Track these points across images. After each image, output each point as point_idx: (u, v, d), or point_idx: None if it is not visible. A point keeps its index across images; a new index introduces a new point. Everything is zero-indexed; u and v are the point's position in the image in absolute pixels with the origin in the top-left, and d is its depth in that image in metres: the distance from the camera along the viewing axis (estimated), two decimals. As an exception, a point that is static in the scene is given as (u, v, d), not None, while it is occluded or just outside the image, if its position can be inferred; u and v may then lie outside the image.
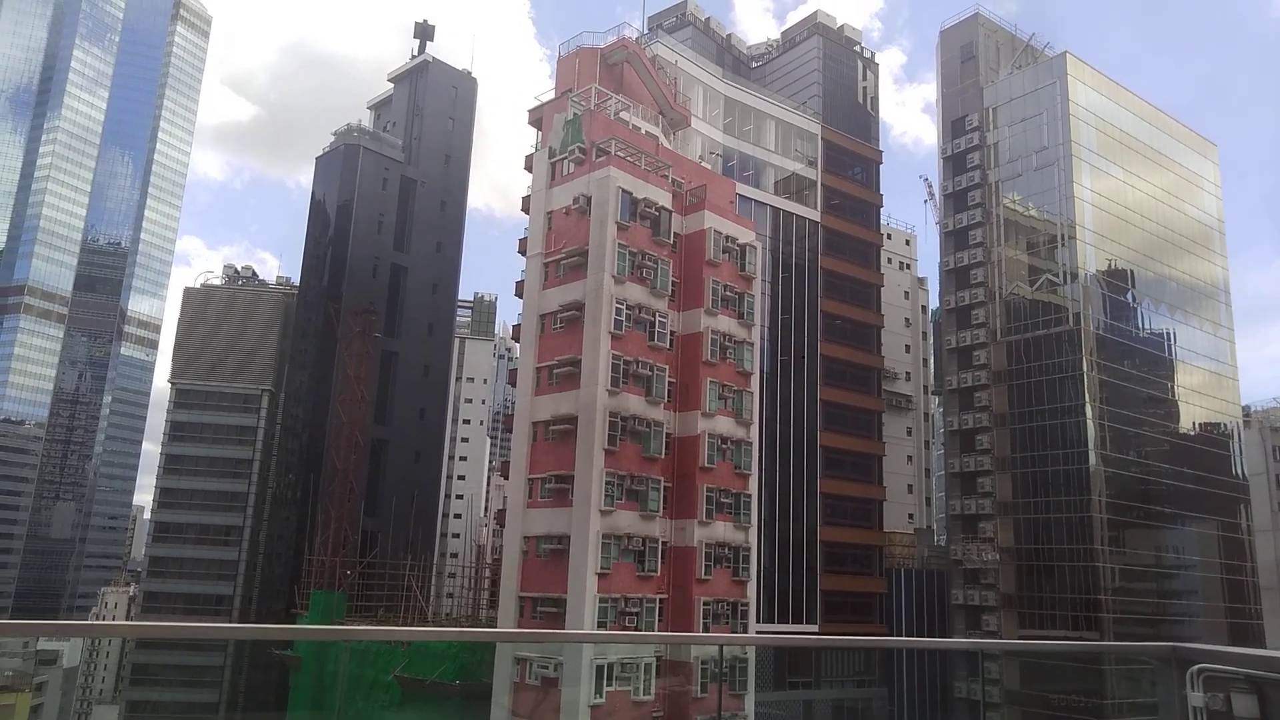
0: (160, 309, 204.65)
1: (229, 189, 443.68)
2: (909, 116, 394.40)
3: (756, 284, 56.48)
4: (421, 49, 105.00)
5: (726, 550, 50.38)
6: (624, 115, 54.60)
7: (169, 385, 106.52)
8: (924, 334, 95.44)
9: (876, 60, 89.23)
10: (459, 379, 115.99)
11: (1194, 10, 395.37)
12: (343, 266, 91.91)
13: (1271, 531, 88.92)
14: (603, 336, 47.25)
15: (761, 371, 60.22)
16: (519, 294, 55.65)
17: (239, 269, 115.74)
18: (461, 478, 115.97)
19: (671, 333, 51.04)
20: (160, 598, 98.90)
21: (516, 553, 48.67)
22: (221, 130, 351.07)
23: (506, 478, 55.84)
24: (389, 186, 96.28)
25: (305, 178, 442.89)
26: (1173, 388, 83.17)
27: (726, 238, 53.78)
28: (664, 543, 48.70)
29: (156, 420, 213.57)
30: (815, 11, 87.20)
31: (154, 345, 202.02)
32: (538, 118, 57.65)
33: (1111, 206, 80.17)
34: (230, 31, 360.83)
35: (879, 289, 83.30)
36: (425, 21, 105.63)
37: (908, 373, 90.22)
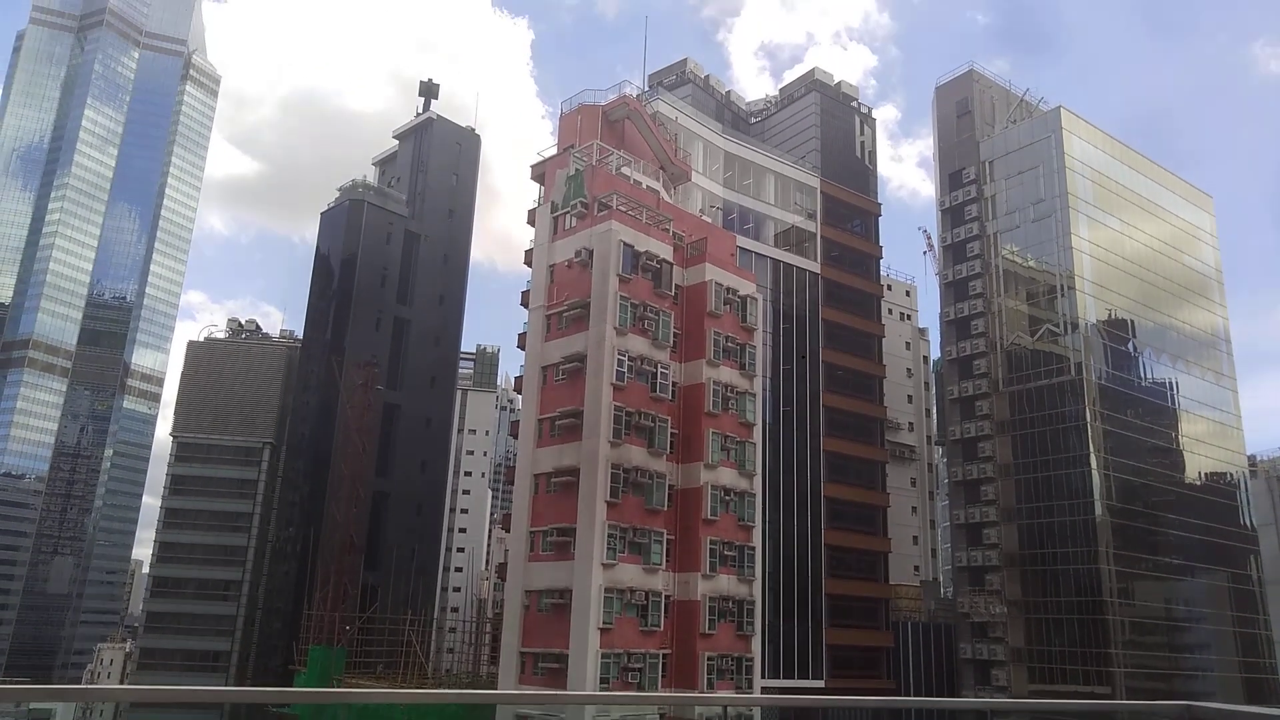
0: (164, 363, 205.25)
1: (234, 244, 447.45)
2: (905, 170, 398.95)
3: (758, 335, 56.71)
4: (426, 106, 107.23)
5: (730, 604, 49.80)
6: (625, 170, 55.41)
7: (170, 438, 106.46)
8: (926, 384, 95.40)
9: (873, 115, 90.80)
10: (461, 431, 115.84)
11: (1189, 66, 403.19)
12: (346, 319, 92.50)
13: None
14: (604, 388, 47.31)
15: (764, 422, 60.12)
16: (521, 346, 55.98)
17: (243, 322, 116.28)
18: (463, 530, 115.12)
19: (673, 384, 51.09)
20: (157, 654, 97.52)
21: (518, 607, 48.11)
22: (227, 186, 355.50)
23: (508, 530, 55.49)
24: (393, 241, 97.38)
25: (310, 232, 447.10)
26: (1177, 437, 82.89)
27: (727, 289, 54.16)
28: (667, 596, 48.15)
29: (157, 474, 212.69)
30: (813, 69, 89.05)
31: (156, 399, 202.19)
32: (540, 173, 58.57)
33: (1110, 257, 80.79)
34: (237, 90, 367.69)
35: (880, 339, 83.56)
36: (430, 80, 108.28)
37: (910, 423, 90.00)
